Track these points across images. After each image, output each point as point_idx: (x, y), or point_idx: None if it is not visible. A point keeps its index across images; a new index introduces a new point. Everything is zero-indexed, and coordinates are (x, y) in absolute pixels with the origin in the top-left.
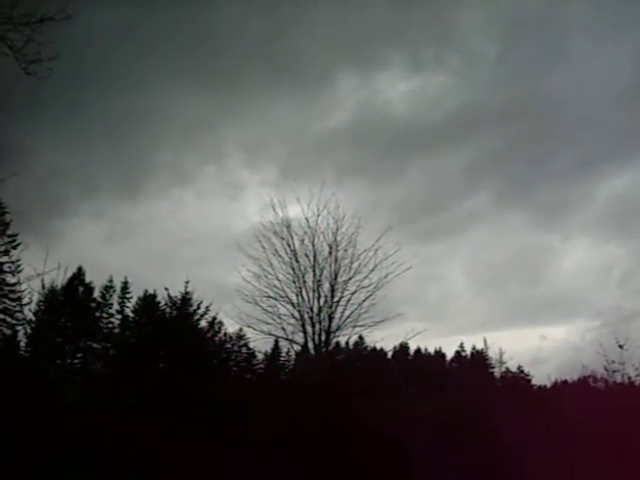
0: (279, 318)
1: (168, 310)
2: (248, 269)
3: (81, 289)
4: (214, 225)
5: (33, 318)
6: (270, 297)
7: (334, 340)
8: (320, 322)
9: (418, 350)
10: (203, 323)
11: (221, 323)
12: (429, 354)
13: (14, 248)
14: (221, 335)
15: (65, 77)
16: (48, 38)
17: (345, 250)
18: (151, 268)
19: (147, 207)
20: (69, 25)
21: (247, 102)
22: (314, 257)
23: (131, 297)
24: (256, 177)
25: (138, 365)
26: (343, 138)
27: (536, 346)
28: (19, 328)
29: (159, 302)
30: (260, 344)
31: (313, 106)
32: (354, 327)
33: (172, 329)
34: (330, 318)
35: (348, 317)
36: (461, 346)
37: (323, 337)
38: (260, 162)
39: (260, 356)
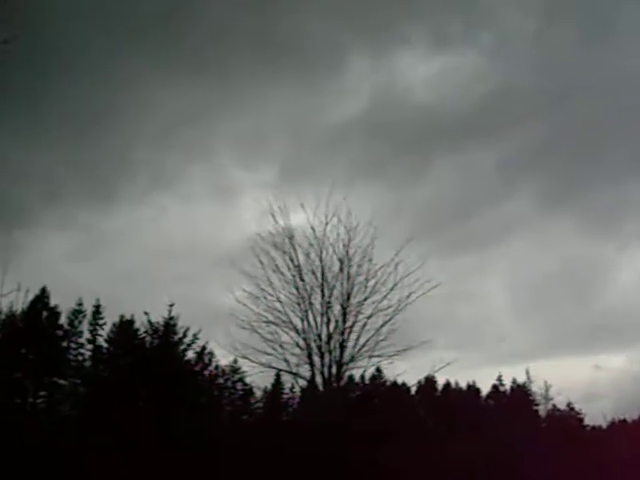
0: (281, 347)
1: (149, 339)
2: (243, 289)
3: (45, 314)
4: (202, 236)
5: None
6: (270, 322)
7: (347, 373)
8: (330, 352)
9: (447, 384)
10: (190, 354)
11: (212, 354)
12: (460, 389)
13: None
14: (212, 368)
15: (25, 62)
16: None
17: (359, 265)
18: (128, 288)
19: (123, 215)
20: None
21: (241, 90)
22: (322, 274)
23: (104, 324)
24: (252, 178)
25: (114, 405)
26: (356, 131)
27: (589, 378)
28: None
29: (138, 329)
30: (258, 379)
31: (320, 93)
32: (370, 357)
33: (153, 361)
34: (342, 347)
35: (363, 346)
36: (499, 379)
37: (334, 370)
38: (257, 160)
39: (259, 393)
